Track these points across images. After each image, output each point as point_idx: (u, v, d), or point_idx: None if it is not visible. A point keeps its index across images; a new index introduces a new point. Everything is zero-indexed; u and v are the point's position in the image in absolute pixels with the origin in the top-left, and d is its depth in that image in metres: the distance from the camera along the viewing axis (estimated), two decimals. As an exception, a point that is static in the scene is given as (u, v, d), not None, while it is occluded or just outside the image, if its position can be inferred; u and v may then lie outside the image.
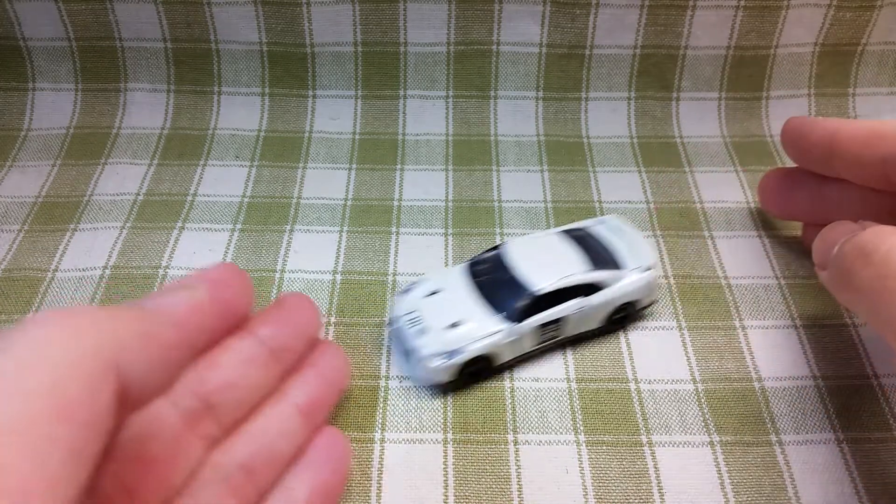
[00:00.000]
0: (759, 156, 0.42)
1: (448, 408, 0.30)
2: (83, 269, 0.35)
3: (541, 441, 0.28)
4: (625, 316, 0.32)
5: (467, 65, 0.44)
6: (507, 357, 0.30)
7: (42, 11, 0.42)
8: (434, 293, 0.31)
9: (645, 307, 0.33)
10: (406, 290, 0.32)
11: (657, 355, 0.32)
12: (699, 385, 0.31)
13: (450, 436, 0.29)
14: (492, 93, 0.44)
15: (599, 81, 0.44)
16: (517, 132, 0.44)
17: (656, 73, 0.44)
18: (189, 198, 0.39)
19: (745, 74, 0.44)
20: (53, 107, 0.44)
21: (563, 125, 0.44)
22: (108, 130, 0.43)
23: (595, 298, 0.31)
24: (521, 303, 0.29)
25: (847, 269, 0.26)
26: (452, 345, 0.29)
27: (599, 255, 0.32)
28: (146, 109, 0.44)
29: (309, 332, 0.27)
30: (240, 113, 0.44)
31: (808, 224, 0.36)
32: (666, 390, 0.30)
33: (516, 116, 0.44)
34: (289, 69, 0.44)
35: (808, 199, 0.34)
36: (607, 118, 0.44)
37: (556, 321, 0.30)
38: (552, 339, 0.31)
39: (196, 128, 0.44)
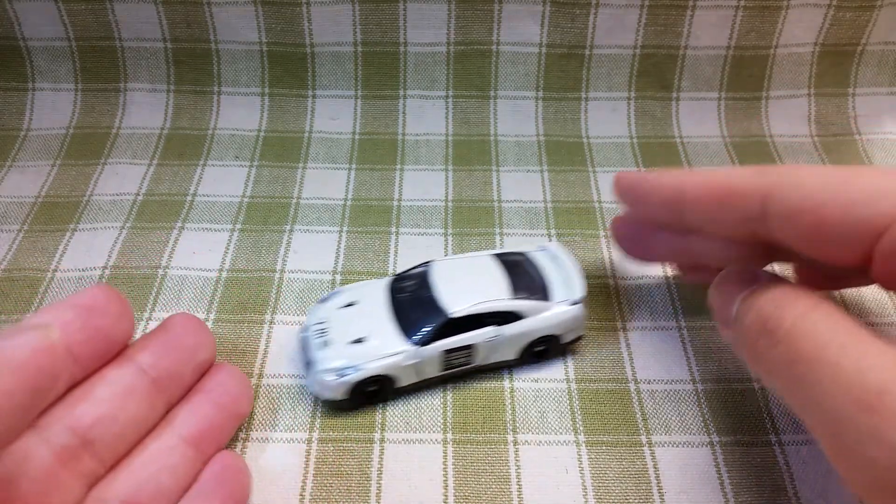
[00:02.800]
0: (758, 156, 0.42)
1: (448, 408, 0.30)
2: (83, 270, 0.35)
3: (540, 441, 0.28)
4: (546, 349, 0.31)
5: (467, 65, 0.44)
6: (409, 380, 0.29)
7: (42, 11, 0.42)
8: (349, 305, 0.30)
9: (570, 342, 0.31)
10: (324, 299, 0.31)
11: (657, 355, 0.32)
12: (699, 385, 0.31)
13: (450, 436, 0.29)
14: (492, 93, 0.44)
15: (599, 81, 0.44)
16: (517, 132, 0.44)
17: (656, 73, 0.44)
18: (189, 198, 0.39)
19: (745, 74, 0.44)
20: (53, 107, 0.44)
21: (563, 125, 0.44)
22: (107, 130, 0.43)
23: (510, 328, 0.29)
24: (430, 325, 0.28)
25: (751, 345, 0.23)
26: (350, 361, 0.28)
27: (528, 282, 0.30)
28: (146, 109, 0.44)
29: (198, 356, 0.26)
30: (240, 113, 0.44)
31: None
32: (665, 390, 0.30)
33: (516, 116, 0.44)
34: (289, 69, 0.44)
35: (668, 250, 0.30)
36: (607, 118, 0.44)
37: (465, 348, 0.29)
38: (461, 366, 0.30)
39: (196, 128, 0.44)
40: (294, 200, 0.39)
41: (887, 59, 0.44)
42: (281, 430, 0.29)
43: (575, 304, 0.30)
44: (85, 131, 0.43)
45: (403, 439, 0.28)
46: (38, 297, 0.34)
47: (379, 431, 0.29)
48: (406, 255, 0.36)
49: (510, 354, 0.30)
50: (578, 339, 0.31)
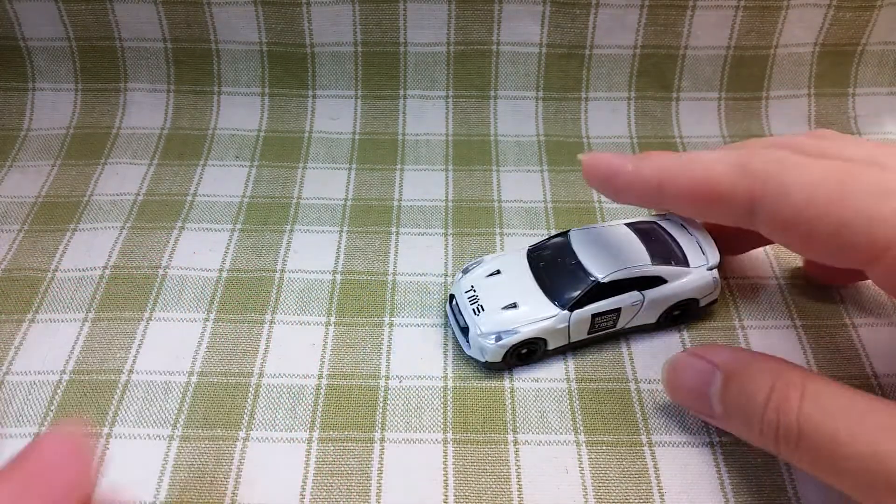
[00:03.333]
0: (759, 156, 0.42)
1: (448, 408, 0.30)
2: (83, 269, 0.35)
3: (541, 441, 0.28)
4: (683, 313, 0.32)
5: (467, 65, 0.44)
6: (559, 343, 0.31)
7: (42, 11, 0.42)
8: (494, 274, 0.32)
9: (706, 306, 0.32)
10: (467, 269, 0.33)
11: (657, 355, 0.32)
12: (699, 385, 0.31)
13: (450, 436, 0.29)
14: (492, 93, 0.44)
15: (599, 81, 0.44)
16: (517, 132, 0.44)
17: (656, 73, 0.44)
18: (189, 198, 0.39)
19: (745, 74, 0.44)
20: (53, 107, 0.44)
21: (563, 125, 0.44)
22: (108, 130, 0.43)
23: (654, 292, 0.31)
24: (578, 290, 0.30)
25: (773, 448, 0.23)
26: (506, 325, 0.30)
27: (664, 249, 0.31)
28: (146, 109, 0.44)
29: (70, 497, 0.19)
30: (240, 113, 0.44)
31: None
32: (666, 390, 0.30)
33: (516, 116, 0.44)
34: (289, 69, 0.44)
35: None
36: (607, 118, 0.44)
37: (611, 312, 0.30)
38: (606, 329, 0.31)
39: (196, 128, 0.44)
40: (294, 200, 0.39)
41: (887, 59, 0.44)
42: (281, 430, 0.29)
43: (711, 269, 0.31)
44: (85, 131, 0.43)
45: (403, 439, 0.28)
46: (38, 296, 0.34)
47: (379, 431, 0.29)
48: (406, 254, 0.36)
49: (651, 318, 0.31)
50: (713, 303, 0.32)
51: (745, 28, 0.42)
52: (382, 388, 0.30)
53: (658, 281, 0.30)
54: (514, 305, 0.30)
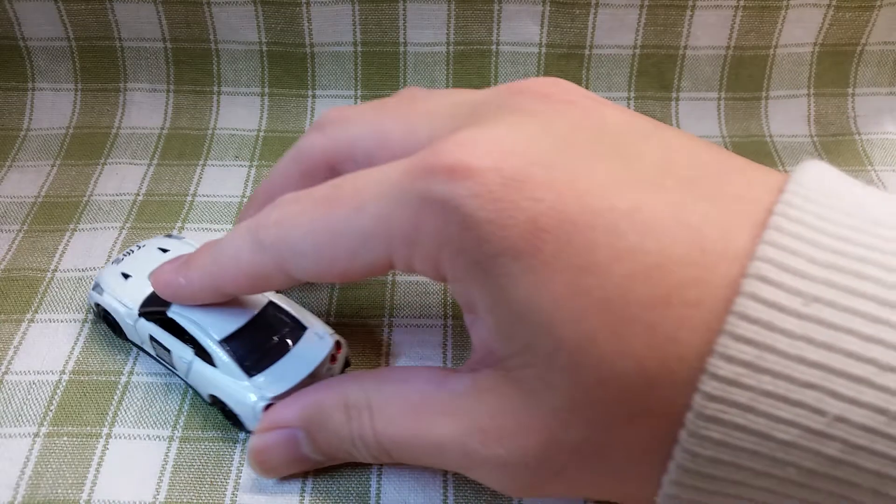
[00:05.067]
0: (758, 156, 0.42)
1: (448, 408, 0.30)
2: (83, 270, 0.35)
3: (540, 441, 0.28)
4: (234, 416, 0.27)
5: (467, 65, 0.44)
6: (133, 339, 0.30)
7: (42, 11, 0.42)
8: (165, 251, 0.31)
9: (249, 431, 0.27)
10: (168, 235, 0.33)
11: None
12: (699, 385, 0.31)
13: (449, 436, 0.29)
14: (491, 93, 0.44)
15: (599, 81, 0.44)
16: (517, 132, 0.44)
17: (656, 73, 0.44)
18: (189, 198, 0.39)
19: (745, 74, 0.44)
20: (53, 107, 0.44)
21: (563, 125, 0.44)
22: (107, 130, 0.43)
23: (199, 365, 0.27)
24: (156, 305, 0.28)
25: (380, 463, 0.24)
26: (104, 284, 0.30)
27: (256, 345, 0.27)
28: (146, 109, 0.44)
29: None
30: (240, 113, 0.44)
31: None
32: (666, 390, 0.30)
33: (516, 116, 0.44)
34: (288, 69, 0.44)
35: None
36: (607, 118, 0.44)
37: (164, 348, 0.28)
38: (167, 363, 0.29)
39: (196, 128, 0.44)
40: (294, 200, 0.39)
41: (887, 59, 0.44)
42: (281, 431, 0.29)
43: (264, 400, 0.26)
44: (85, 131, 0.43)
45: (403, 439, 0.28)
46: (37, 297, 0.34)
47: (379, 431, 0.29)
48: (406, 255, 0.36)
49: (203, 392, 0.28)
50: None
51: (744, 28, 0.42)
52: (382, 389, 0.30)
53: (208, 358, 0.27)
54: (128, 276, 0.30)
